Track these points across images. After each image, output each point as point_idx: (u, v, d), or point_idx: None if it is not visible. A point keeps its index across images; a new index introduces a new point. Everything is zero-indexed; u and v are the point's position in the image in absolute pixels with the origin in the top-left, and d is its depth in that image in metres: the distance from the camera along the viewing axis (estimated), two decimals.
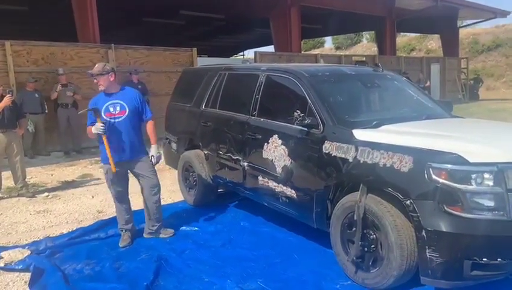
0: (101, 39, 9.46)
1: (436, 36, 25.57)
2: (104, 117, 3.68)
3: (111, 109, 3.70)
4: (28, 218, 4.68)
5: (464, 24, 24.14)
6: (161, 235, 4.00)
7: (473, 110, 14.39)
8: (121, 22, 15.46)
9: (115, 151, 3.69)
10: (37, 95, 7.85)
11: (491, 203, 2.49)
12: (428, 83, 15.85)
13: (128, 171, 3.90)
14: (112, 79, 3.71)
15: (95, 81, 3.72)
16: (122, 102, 3.74)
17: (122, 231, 3.92)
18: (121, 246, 3.80)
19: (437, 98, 16.12)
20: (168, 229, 4.07)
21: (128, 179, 3.95)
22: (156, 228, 4.00)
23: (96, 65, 3.75)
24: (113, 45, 9.29)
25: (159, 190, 3.98)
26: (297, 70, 3.82)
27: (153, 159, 3.88)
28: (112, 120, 3.70)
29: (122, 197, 3.91)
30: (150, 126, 3.93)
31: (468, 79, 21.13)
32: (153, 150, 3.91)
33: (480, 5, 18.48)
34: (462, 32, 25.48)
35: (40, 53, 8.34)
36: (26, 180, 5.62)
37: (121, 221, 3.92)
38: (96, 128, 3.60)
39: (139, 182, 3.96)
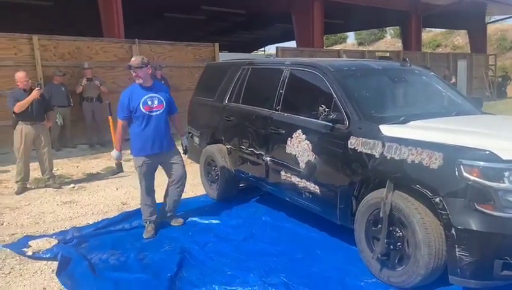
0: (125, 34, 9.59)
1: (463, 32, 24.93)
2: (142, 110, 3.73)
3: (149, 103, 3.76)
4: (55, 208, 4.79)
5: (492, 20, 23.40)
6: (172, 223, 4.10)
7: (501, 107, 13.98)
8: (144, 17, 15.64)
9: (151, 144, 3.79)
10: (63, 89, 8.02)
11: None
12: (453, 80, 15.40)
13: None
14: (149, 72, 3.78)
15: (133, 74, 3.73)
16: (159, 96, 3.82)
17: (146, 222, 3.98)
18: (145, 237, 3.85)
19: (464, 95, 15.67)
20: (179, 218, 4.17)
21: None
22: (169, 215, 4.12)
23: (134, 58, 3.78)
24: (137, 40, 9.39)
25: (185, 180, 4.11)
26: (322, 64, 3.77)
27: (186, 149, 4.26)
28: (150, 113, 3.76)
29: (150, 190, 3.97)
30: (178, 119, 4.13)
31: (496, 76, 20.51)
32: (185, 141, 4.31)
33: (509, 0, 17.87)
34: (490, 28, 24.72)
35: (67, 47, 8.51)
36: (53, 171, 5.76)
37: (145, 213, 3.98)
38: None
39: (169, 173, 4.03)
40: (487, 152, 2.49)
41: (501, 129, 3.16)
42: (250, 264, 3.29)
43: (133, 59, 3.75)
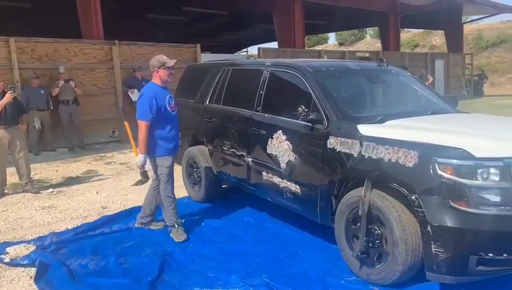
0: (104, 36, 9.46)
1: (441, 32, 25.45)
2: (168, 109, 3.78)
3: (171, 102, 3.84)
4: (33, 214, 4.70)
5: (469, 20, 23.98)
6: (152, 227, 4.05)
7: (477, 106, 14.32)
8: (125, 19, 15.46)
9: (174, 144, 3.88)
10: (42, 92, 7.87)
11: (497, 198, 2.48)
12: (430, 80, 15.58)
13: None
14: None
15: (169, 72, 3.78)
16: (173, 97, 3.93)
17: (174, 226, 3.85)
18: (179, 240, 3.74)
19: (441, 94, 15.94)
20: (160, 221, 4.10)
21: None
22: (149, 219, 4.07)
23: (166, 57, 3.84)
24: (117, 41, 9.28)
25: None
26: (301, 65, 3.81)
27: None
28: (173, 113, 3.84)
29: (173, 189, 3.93)
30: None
31: (472, 75, 21.01)
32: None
33: (485, 0, 18.32)
34: (467, 28, 25.37)
35: (44, 50, 8.35)
36: (31, 176, 5.64)
37: (173, 217, 3.85)
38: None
39: None
40: (460, 150, 2.55)
41: (475, 127, 3.24)
42: (232, 265, 3.29)
43: (165, 57, 3.81)
